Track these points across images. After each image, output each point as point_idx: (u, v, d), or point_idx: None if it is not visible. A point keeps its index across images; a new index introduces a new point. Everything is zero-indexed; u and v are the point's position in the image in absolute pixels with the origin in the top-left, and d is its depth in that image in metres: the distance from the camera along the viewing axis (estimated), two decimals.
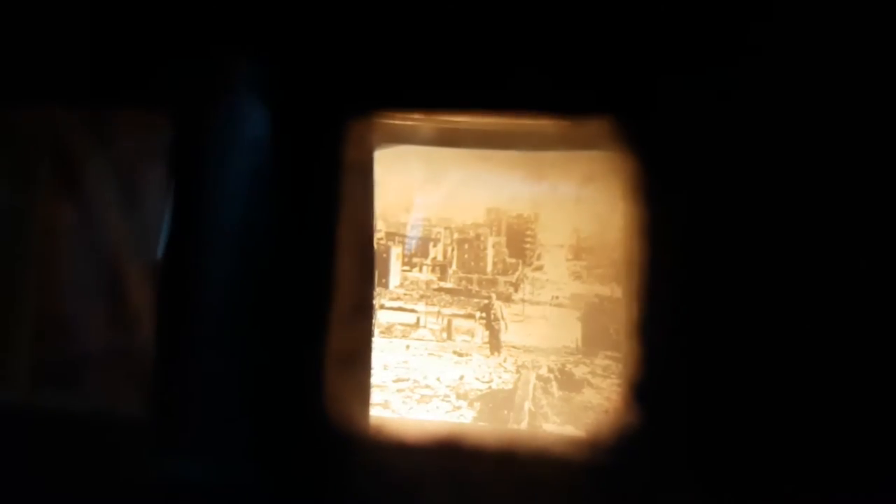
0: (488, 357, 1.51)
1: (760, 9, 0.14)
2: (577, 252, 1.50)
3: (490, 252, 1.57)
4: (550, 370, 1.47)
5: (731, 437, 0.15)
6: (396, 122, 0.21)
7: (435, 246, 1.51)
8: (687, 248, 0.18)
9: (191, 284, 0.16)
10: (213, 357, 0.16)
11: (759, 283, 0.16)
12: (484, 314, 1.52)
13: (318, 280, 0.17)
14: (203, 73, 0.17)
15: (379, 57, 0.19)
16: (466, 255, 1.56)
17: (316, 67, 0.17)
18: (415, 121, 0.23)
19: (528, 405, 1.41)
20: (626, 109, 0.18)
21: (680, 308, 0.17)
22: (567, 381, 1.44)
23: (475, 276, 1.55)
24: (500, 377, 1.50)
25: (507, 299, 1.56)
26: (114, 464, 0.18)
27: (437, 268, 1.56)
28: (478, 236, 1.54)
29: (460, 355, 1.49)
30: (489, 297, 1.54)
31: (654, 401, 0.16)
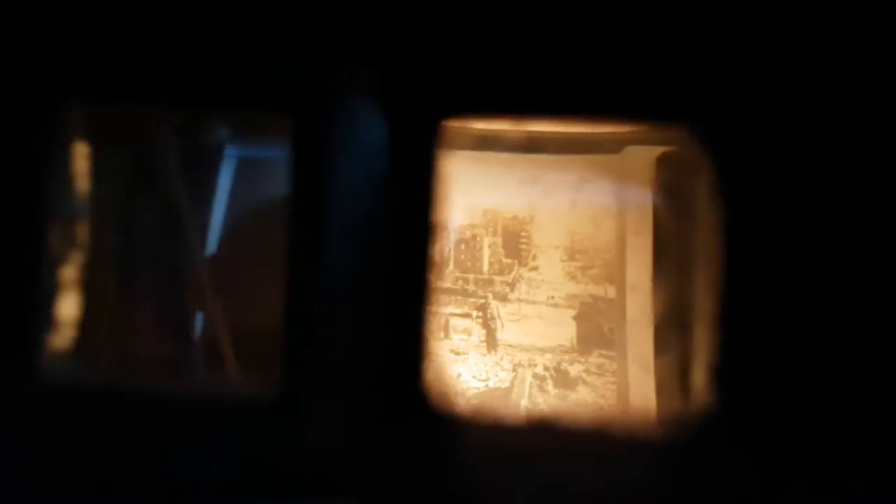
0: (485, 356, 1.54)
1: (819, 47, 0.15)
2: (572, 253, 1.54)
3: (486, 252, 1.59)
4: (546, 368, 1.51)
5: (805, 420, 0.16)
6: (485, 128, 0.22)
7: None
8: (757, 244, 0.20)
9: (316, 273, 0.18)
10: (336, 338, 0.18)
11: (824, 280, 0.17)
12: (480, 313, 1.54)
13: (420, 267, 0.19)
14: (324, 79, 0.19)
15: (480, 65, 0.21)
16: (463, 256, 1.59)
17: (420, 73, 0.19)
18: (504, 127, 0.24)
19: (524, 402, 1.44)
20: (706, 117, 0.20)
21: (753, 299, 0.19)
22: (562, 379, 1.48)
23: (472, 276, 1.57)
24: (496, 375, 1.53)
25: (504, 299, 1.59)
26: (238, 441, 0.19)
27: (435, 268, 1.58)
28: (474, 237, 1.57)
29: (457, 354, 1.52)
30: (486, 297, 1.57)
31: (730, 384, 0.18)
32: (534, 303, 1.57)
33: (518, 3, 0.15)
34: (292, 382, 0.17)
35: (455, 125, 0.18)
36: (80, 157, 0.17)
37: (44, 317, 0.17)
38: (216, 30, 0.16)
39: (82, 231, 0.16)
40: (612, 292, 1.40)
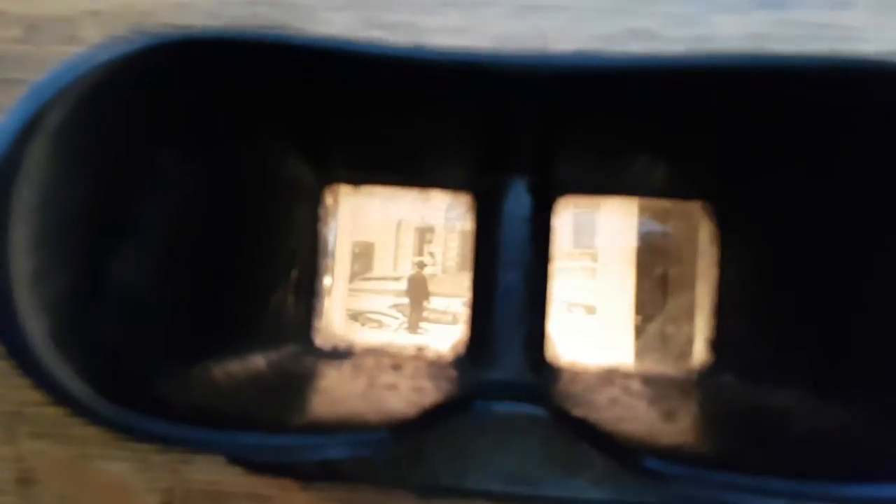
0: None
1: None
2: None
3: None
4: None
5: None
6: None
7: None
8: (750, 277, 0.23)
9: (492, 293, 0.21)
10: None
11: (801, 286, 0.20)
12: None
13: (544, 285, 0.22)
14: (493, 170, 0.22)
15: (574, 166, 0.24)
16: None
17: (547, 175, 0.23)
18: None
19: None
20: (717, 197, 0.24)
21: (743, 308, 0.22)
22: None
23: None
24: None
25: None
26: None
27: None
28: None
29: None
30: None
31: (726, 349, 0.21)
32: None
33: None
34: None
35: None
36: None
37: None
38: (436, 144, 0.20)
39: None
40: None
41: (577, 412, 0.22)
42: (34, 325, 0.15)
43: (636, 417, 0.23)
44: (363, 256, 0.30)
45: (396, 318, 0.30)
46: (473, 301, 0.25)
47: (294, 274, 0.25)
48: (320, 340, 0.26)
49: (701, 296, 0.26)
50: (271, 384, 0.22)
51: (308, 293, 0.26)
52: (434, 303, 0.30)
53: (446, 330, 0.29)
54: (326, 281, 0.27)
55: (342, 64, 0.19)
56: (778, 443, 0.21)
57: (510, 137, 0.24)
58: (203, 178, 0.20)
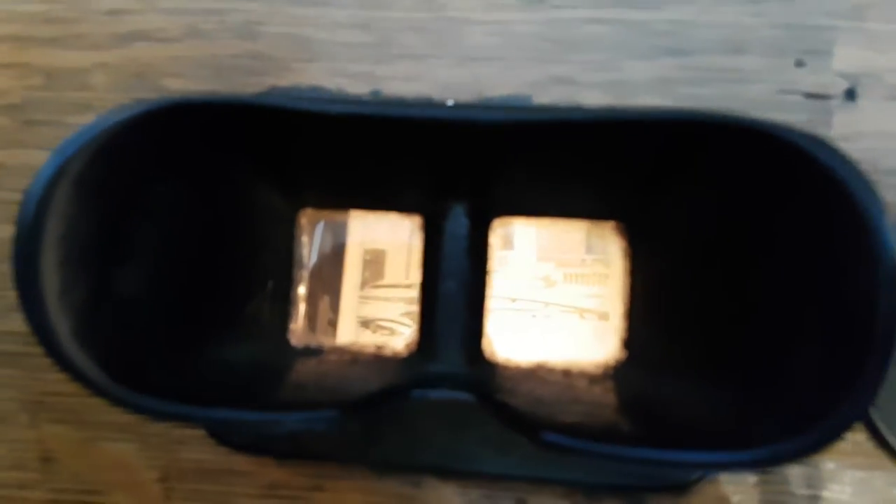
0: None
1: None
2: None
3: None
4: None
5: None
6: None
7: None
8: (655, 285, 0.27)
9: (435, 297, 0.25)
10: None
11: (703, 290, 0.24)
12: None
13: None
14: (438, 196, 0.27)
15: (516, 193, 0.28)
16: None
17: (484, 201, 0.27)
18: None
19: None
20: (626, 217, 0.28)
21: (650, 316, 0.26)
22: None
23: None
24: None
25: None
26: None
27: None
28: None
29: None
30: None
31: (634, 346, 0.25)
32: None
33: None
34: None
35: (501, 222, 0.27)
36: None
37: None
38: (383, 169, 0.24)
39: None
40: None
41: (500, 398, 0.26)
42: (61, 327, 0.20)
43: (547, 403, 0.27)
44: (374, 264, 0.33)
45: (409, 326, 0.32)
46: (421, 305, 0.30)
47: (270, 284, 0.30)
48: (294, 341, 0.31)
49: (614, 301, 0.31)
50: (246, 374, 0.27)
51: (283, 301, 0.31)
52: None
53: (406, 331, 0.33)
54: (300, 290, 0.32)
55: (308, 119, 0.23)
56: (659, 422, 0.26)
57: (452, 171, 0.29)
58: (188, 206, 0.25)
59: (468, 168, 0.29)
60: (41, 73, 0.33)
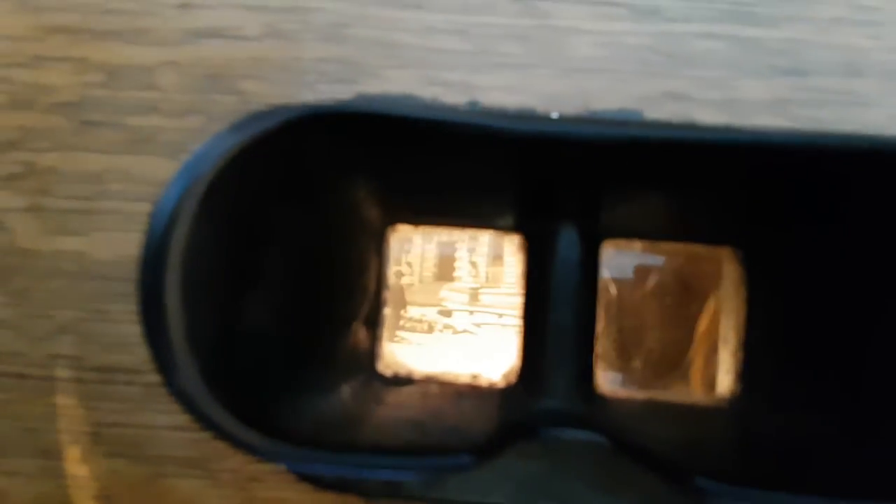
0: None
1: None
2: None
3: None
4: None
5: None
6: None
7: None
8: (773, 314, 0.26)
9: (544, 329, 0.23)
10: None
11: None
12: None
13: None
14: (543, 216, 0.25)
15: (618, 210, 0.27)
16: None
17: (593, 221, 0.26)
18: None
19: None
20: (745, 244, 0.27)
21: (769, 344, 0.25)
22: None
23: None
24: None
25: None
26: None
27: None
28: None
29: None
30: None
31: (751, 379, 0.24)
32: None
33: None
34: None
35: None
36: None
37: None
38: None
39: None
40: None
41: (629, 437, 0.24)
42: (190, 369, 0.17)
43: (676, 442, 0.25)
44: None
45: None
46: (525, 335, 0.28)
47: (366, 308, 0.27)
48: (382, 367, 0.29)
49: (727, 331, 0.29)
50: (354, 412, 0.24)
51: (374, 324, 0.28)
52: (410, 312, 0.32)
53: (422, 338, 0.31)
54: (386, 311, 0.30)
55: (419, 129, 0.21)
56: (803, 465, 0.24)
57: (559, 190, 0.27)
58: (305, 227, 0.22)
59: (577, 185, 0.27)
60: (101, 70, 0.30)
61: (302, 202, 0.22)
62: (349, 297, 0.26)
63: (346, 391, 0.25)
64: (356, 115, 0.21)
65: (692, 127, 0.24)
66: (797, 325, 0.27)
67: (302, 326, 0.22)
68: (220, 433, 0.18)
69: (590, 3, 0.30)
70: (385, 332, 0.30)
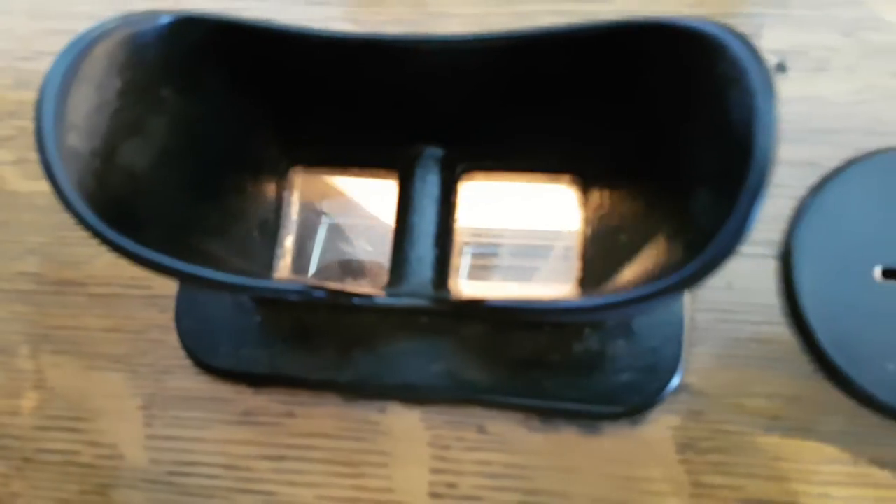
0: None
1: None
2: None
3: None
4: None
5: None
6: None
7: None
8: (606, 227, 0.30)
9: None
10: None
11: None
12: None
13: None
14: (413, 142, 0.31)
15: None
16: None
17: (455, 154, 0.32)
18: None
19: None
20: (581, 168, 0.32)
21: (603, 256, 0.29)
22: None
23: None
24: None
25: None
26: None
27: None
28: None
29: None
30: None
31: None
32: None
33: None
34: None
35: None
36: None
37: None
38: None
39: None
40: None
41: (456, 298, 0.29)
42: (67, 175, 0.24)
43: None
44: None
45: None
46: (394, 239, 0.32)
47: (259, 216, 0.33)
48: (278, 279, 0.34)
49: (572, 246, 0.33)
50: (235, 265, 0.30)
51: (272, 238, 0.34)
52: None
53: None
54: (288, 241, 0.35)
55: (293, 46, 0.28)
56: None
57: (424, 111, 0.33)
58: (191, 113, 0.29)
59: (438, 108, 0.32)
60: None
61: (192, 93, 0.29)
62: (239, 191, 0.32)
63: (230, 255, 0.30)
64: (227, 26, 0.28)
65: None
66: (620, 227, 0.31)
67: (181, 183, 0.28)
68: (87, 227, 0.23)
69: None
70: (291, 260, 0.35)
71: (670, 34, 0.25)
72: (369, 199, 0.40)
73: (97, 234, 0.24)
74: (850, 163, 0.33)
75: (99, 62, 0.25)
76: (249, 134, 0.32)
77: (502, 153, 0.34)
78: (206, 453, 0.32)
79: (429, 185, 0.33)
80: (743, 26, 0.35)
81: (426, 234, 0.32)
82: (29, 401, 0.34)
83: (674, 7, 0.36)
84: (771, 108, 0.22)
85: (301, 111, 0.33)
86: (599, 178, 0.33)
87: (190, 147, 0.28)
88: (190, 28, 0.27)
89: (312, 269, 0.37)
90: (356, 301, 0.29)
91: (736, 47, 0.23)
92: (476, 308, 0.26)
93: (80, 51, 0.25)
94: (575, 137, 0.33)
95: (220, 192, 0.30)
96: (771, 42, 0.35)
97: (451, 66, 0.30)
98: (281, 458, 0.32)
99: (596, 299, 0.24)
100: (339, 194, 0.39)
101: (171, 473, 0.32)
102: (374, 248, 0.39)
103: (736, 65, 0.23)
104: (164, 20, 0.27)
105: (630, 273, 0.29)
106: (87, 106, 0.25)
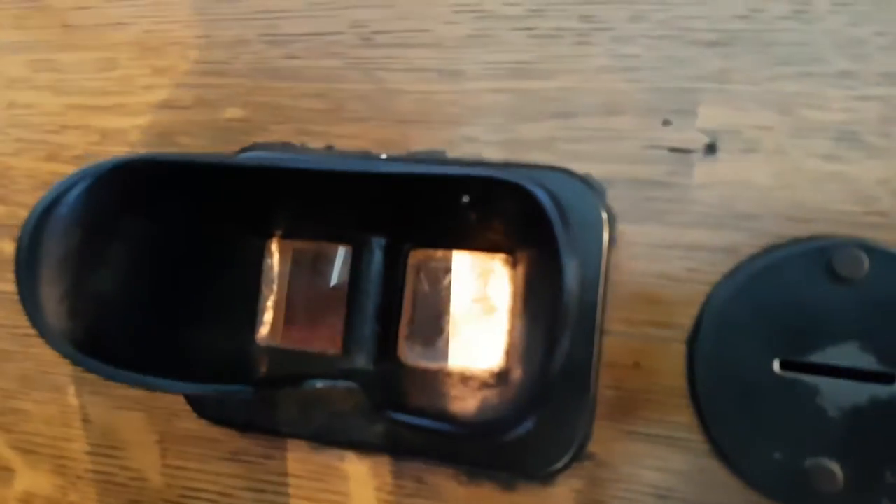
0: None
1: None
2: None
3: None
4: None
5: None
6: None
7: None
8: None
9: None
10: None
11: None
12: None
13: None
14: (363, 231, 0.36)
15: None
16: None
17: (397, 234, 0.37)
18: None
19: None
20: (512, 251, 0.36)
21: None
22: None
23: None
24: None
25: None
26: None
27: None
28: None
29: None
30: None
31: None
32: None
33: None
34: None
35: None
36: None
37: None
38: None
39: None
40: None
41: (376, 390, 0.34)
42: (47, 323, 0.30)
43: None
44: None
45: None
46: (346, 314, 0.38)
47: (237, 286, 0.39)
48: (260, 342, 0.40)
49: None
50: (218, 361, 0.36)
51: (251, 308, 0.40)
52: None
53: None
54: (269, 302, 0.41)
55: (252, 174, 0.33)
56: None
57: (372, 211, 0.37)
58: (154, 236, 0.34)
59: (383, 208, 0.37)
60: (97, 133, 0.45)
61: (151, 220, 0.34)
62: (213, 283, 0.37)
63: (217, 347, 0.36)
64: (157, 164, 0.32)
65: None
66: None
67: (151, 301, 0.34)
68: (63, 354, 0.30)
69: (413, 70, 0.39)
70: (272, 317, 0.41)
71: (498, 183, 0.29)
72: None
73: (75, 363, 0.30)
74: (767, 251, 0.34)
75: (61, 220, 0.31)
76: (217, 227, 0.38)
77: (440, 240, 0.38)
78: (206, 482, 0.40)
79: (374, 266, 0.38)
80: (680, 102, 0.36)
81: (370, 311, 0.37)
82: (78, 430, 0.43)
83: (611, 83, 0.37)
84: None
85: (254, 213, 0.37)
86: (524, 257, 0.36)
87: (156, 260, 0.34)
88: (134, 169, 0.32)
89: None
90: (301, 387, 0.35)
91: (540, 195, 0.27)
92: (383, 415, 0.31)
93: (43, 210, 0.30)
94: (495, 232, 0.36)
95: (195, 283, 0.36)
96: (705, 121, 0.35)
97: (367, 188, 0.34)
98: (262, 490, 0.39)
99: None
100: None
101: (182, 496, 0.41)
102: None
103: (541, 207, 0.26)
104: (111, 165, 0.32)
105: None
106: (55, 257, 0.31)
